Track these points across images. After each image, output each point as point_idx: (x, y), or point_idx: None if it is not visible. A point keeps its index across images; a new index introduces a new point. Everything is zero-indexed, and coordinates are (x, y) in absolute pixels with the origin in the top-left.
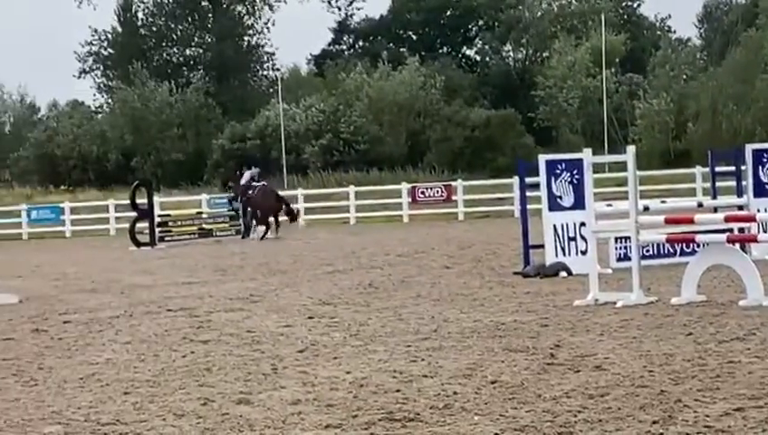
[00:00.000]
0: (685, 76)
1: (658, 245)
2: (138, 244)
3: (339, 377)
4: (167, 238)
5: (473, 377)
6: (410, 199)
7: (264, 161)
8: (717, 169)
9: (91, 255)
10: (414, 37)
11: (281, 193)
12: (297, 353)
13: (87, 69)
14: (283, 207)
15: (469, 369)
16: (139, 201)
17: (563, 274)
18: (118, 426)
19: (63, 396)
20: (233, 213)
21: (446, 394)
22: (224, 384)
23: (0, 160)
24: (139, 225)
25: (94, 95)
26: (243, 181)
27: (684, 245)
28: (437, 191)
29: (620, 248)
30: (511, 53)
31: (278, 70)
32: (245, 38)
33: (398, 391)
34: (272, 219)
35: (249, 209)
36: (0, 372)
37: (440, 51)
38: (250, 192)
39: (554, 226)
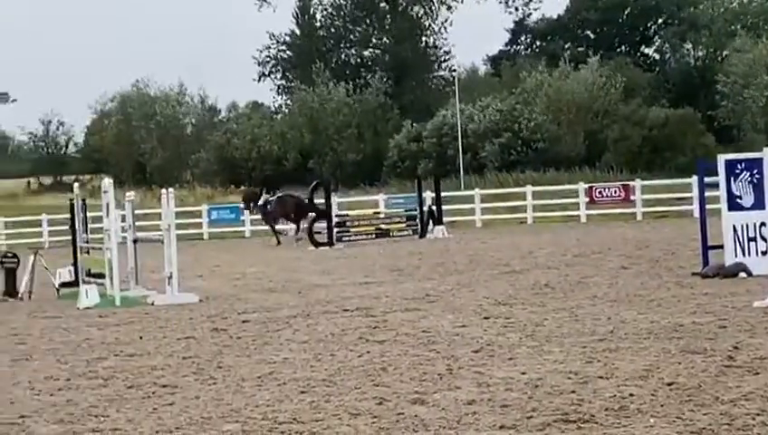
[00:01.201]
0: None
1: None
2: (316, 244)
3: (514, 378)
4: (344, 238)
5: (649, 379)
6: (588, 199)
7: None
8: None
9: (269, 254)
10: (592, 36)
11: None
12: (472, 354)
13: (266, 72)
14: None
15: (645, 371)
16: (317, 201)
17: (743, 274)
18: (294, 425)
19: (242, 394)
20: (411, 213)
21: (622, 396)
22: (399, 384)
23: (182, 162)
24: (317, 225)
25: (273, 97)
26: (260, 202)
27: None
28: (615, 191)
29: None
30: (690, 51)
31: (455, 70)
32: (423, 39)
33: (573, 392)
34: (288, 225)
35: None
36: (180, 370)
37: (618, 49)
38: (267, 207)
39: (734, 226)
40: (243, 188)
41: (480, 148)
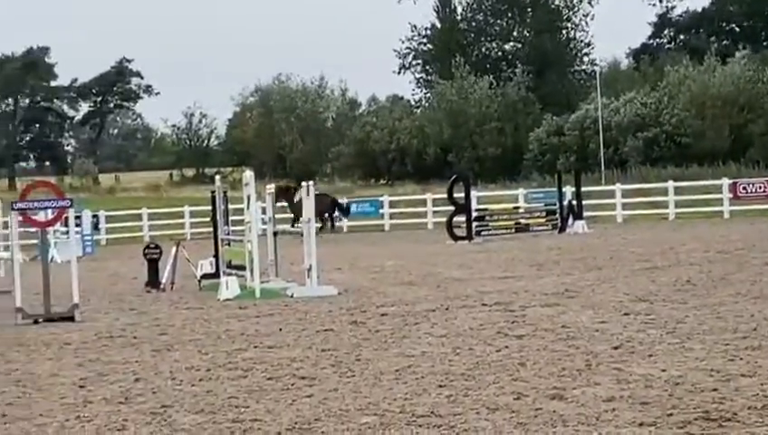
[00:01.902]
0: None
1: None
2: (455, 238)
3: (654, 375)
4: (483, 233)
5: None
6: (731, 195)
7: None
8: None
9: (408, 248)
10: (737, 29)
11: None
12: (612, 350)
13: (406, 65)
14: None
15: None
16: (456, 195)
17: None
18: (432, 418)
19: (380, 387)
20: (551, 208)
21: (765, 395)
22: (537, 379)
23: (322, 155)
24: (456, 219)
25: (413, 90)
26: (296, 199)
27: None
28: (760, 187)
29: None
30: None
31: (596, 63)
32: (564, 32)
33: (714, 390)
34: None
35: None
36: (319, 362)
37: (765, 43)
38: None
39: None
40: (279, 183)
41: (622, 142)
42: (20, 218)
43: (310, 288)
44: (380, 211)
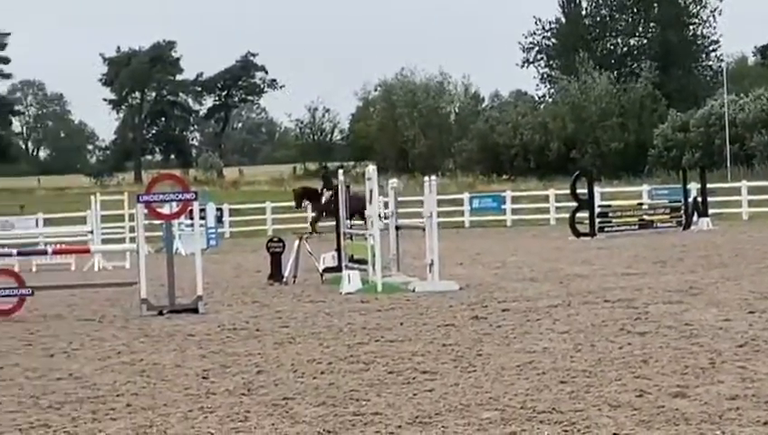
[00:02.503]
0: None
1: None
2: (577, 234)
3: None
4: (606, 229)
5: None
6: None
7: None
8: None
9: (530, 244)
10: None
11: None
12: (736, 348)
13: (530, 59)
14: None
15: None
16: (579, 191)
17: None
18: (553, 414)
19: (501, 383)
20: (675, 204)
21: None
22: (660, 377)
23: (444, 150)
24: (578, 215)
25: (537, 85)
26: (324, 200)
27: None
28: None
29: None
30: None
31: (722, 60)
32: (690, 27)
33: None
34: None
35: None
36: (440, 356)
37: None
38: (332, 206)
39: None
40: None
41: (748, 139)
42: (145, 211)
43: (431, 283)
44: (503, 206)
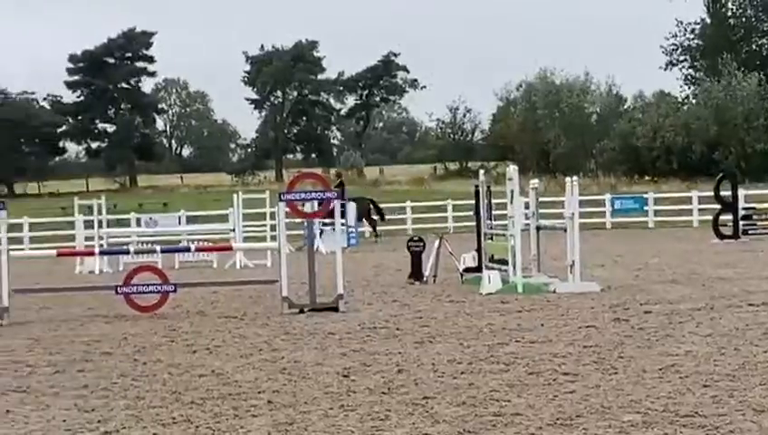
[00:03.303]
0: None
1: None
2: (721, 236)
3: None
4: (750, 232)
5: None
6: None
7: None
8: None
9: (672, 246)
10: None
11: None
12: None
13: (674, 61)
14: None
15: None
16: (723, 193)
17: None
18: (696, 418)
19: (642, 386)
20: None
21: None
22: None
23: (586, 150)
24: (722, 217)
25: (680, 86)
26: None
27: None
28: None
29: None
30: None
31: None
32: None
33: None
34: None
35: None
36: (581, 358)
37: None
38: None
39: None
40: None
41: None
42: (287, 209)
43: (572, 284)
44: (645, 208)
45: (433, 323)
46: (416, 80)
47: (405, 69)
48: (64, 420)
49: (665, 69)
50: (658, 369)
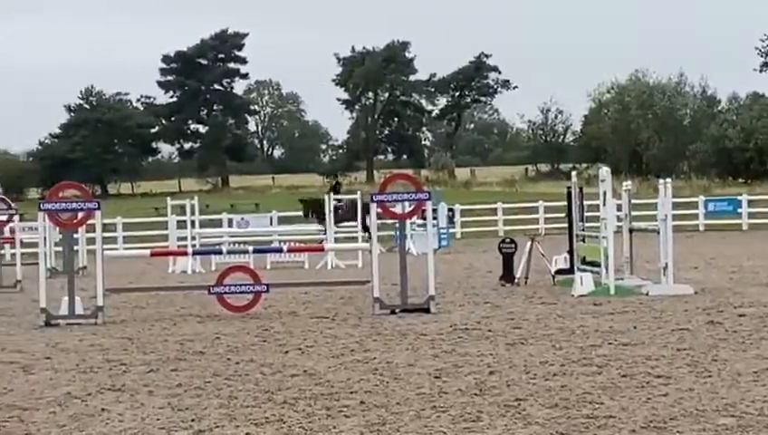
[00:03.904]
0: None
1: None
2: None
3: None
4: None
5: None
6: None
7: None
8: None
9: (767, 248)
10: None
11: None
12: None
13: None
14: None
15: None
16: None
17: None
18: None
19: (737, 389)
20: None
21: None
22: None
23: (678, 152)
24: None
25: None
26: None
27: None
28: None
29: None
30: None
31: None
32: None
33: None
34: None
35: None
36: (675, 361)
37: None
38: (339, 212)
39: None
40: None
41: None
42: (379, 210)
43: (665, 286)
44: (738, 210)
45: (525, 325)
46: (507, 80)
47: (496, 69)
48: (158, 419)
49: (759, 71)
50: (753, 372)
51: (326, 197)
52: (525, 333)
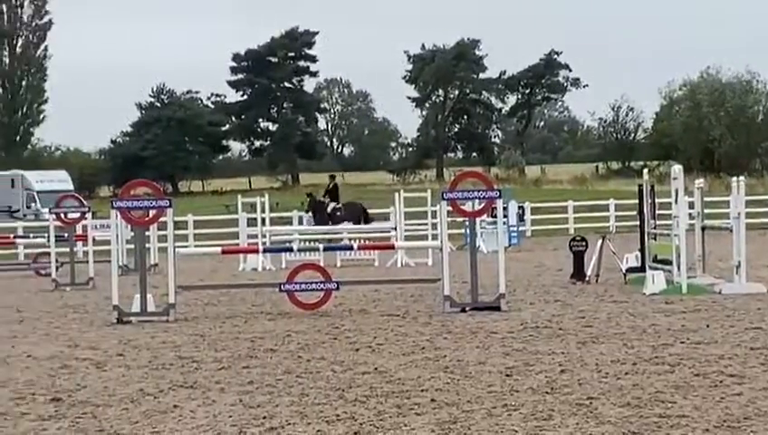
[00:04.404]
0: None
1: None
2: None
3: None
4: None
5: None
6: None
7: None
8: None
9: None
10: None
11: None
12: None
13: None
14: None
15: None
16: None
17: None
18: None
19: None
20: None
21: None
22: None
23: (751, 150)
24: None
25: None
26: (328, 210)
27: None
28: None
29: None
30: None
31: None
32: None
33: None
34: None
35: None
36: (748, 360)
37: None
38: (337, 213)
39: None
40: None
41: None
42: (449, 208)
43: (738, 285)
44: None
45: (596, 324)
46: (578, 78)
47: (567, 67)
48: (230, 416)
49: None
50: None
51: (325, 198)
52: (596, 331)
